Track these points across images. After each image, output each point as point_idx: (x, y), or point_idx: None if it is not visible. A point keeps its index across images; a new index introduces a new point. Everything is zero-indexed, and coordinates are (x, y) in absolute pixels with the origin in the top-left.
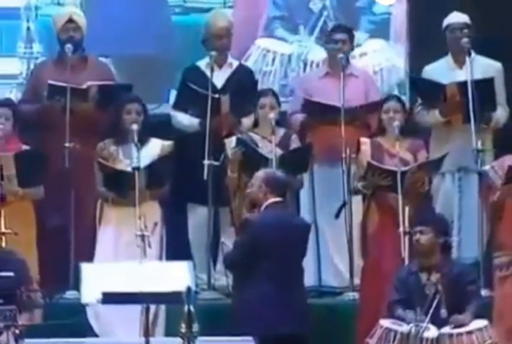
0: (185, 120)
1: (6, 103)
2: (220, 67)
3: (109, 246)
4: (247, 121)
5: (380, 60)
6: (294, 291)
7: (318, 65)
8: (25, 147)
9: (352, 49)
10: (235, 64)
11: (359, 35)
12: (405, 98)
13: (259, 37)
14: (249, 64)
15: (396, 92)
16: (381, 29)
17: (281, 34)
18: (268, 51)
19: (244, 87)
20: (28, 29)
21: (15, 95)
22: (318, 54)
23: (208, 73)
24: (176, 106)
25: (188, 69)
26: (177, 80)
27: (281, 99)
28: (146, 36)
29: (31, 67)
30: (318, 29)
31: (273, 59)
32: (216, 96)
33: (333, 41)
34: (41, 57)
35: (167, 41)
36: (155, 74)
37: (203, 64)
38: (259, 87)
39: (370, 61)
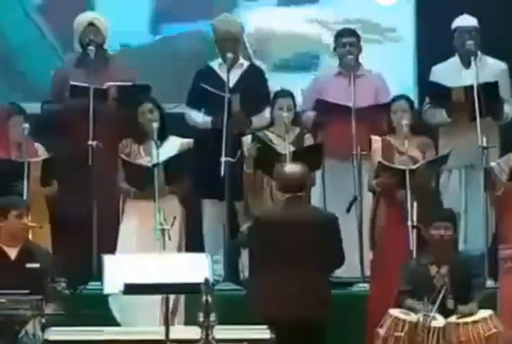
0: (198, 118)
1: (21, 111)
2: (231, 67)
3: (131, 238)
4: (257, 120)
5: None
6: (307, 280)
7: None
8: (39, 146)
9: (360, 51)
10: (246, 64)
11: None
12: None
13: None
14: None
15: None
16: None
17: None
18: None
19: (255, 87)
20: None
21: None
22: None
23: (220, 73)
24: (190, 104)
25: (202, 69)
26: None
27: None
28: None
29: None
30: None
31: None
32: (228, 95)
33: (341, 44)
34: None
35: None
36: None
37: (215, 64)
38: None
39: None
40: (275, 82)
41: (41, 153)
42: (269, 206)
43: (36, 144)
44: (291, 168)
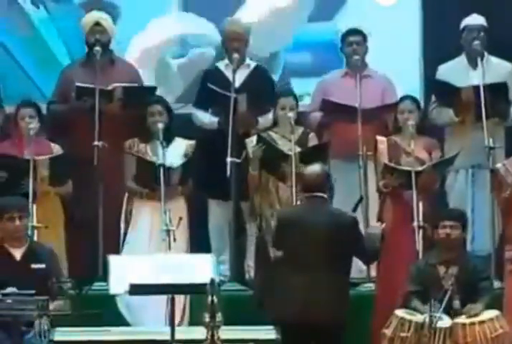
0: (205, 119)
1: (30, 103)
2: (238, 67)
3: (143, 239)
4: (263, 120)
5: None
6: (323, 281)
7: None
8: (55, 146)
9: (367, 51)
10: (252, 65)
11: None
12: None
13: None
14: None
15: None
16: None
17: None
18: None
19: (261, 87)
20: None
21: None
22: None
23: (227, 73)
24: (197, 105)
25: (209, 70)
26: None
27: None
28: None
29: None
30: None
31: None
32: (234, 95)
33: (347, 43)
34: None
35: None
36: None
37: (222, 64)
38: None
39: None
40: None
41: (57, 151)
42: (287, 206)
43: (52, 144)
44: (310, 168)
